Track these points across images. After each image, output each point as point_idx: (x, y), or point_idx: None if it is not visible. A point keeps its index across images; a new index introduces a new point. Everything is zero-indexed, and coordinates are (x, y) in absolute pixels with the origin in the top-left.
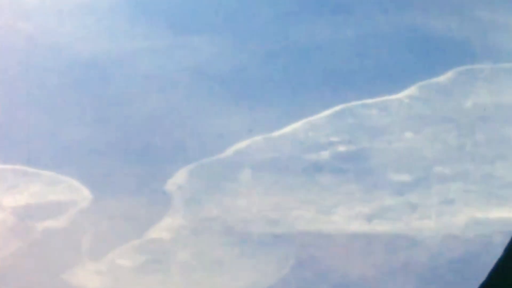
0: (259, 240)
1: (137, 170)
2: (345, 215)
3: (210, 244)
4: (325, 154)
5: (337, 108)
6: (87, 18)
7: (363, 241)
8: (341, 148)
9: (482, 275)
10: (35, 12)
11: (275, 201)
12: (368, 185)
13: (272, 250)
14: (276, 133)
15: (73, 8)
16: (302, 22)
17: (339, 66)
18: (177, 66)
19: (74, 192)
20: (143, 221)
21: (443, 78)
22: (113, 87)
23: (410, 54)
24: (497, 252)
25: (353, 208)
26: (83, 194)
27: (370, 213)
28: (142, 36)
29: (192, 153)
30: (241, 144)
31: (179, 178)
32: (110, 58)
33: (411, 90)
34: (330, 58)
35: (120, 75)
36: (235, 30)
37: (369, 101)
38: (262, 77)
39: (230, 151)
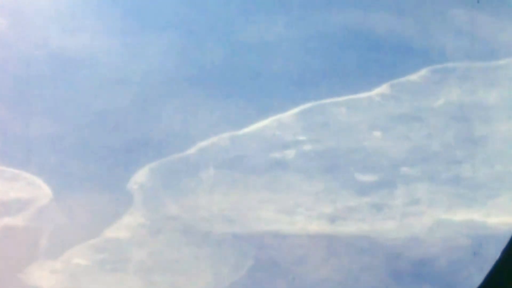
0: (218, 240)
1: (100, 168)
2: (307, 215)
3: (168, 243)
4: (290, 153)
5: (307, 106)
6: (55, 13)
7: (324, 242)
8: (307, 147)
9: (443, 277)
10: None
11: (237, 200)
12: (333, 185)
13: (231, 250)
14: (242, 131)
15: (44, 3)
16: (267, 18)
17: (312, 63)
18: (141, 63)
19: (34, 189)
20: (103, 220)
21: (416, 76)
22: (76, 83)
23: (384, 52)
24: (460, 255)
25: (316, 208)
26: (44, 192)
27: (333, 213)
28: (108, 33)
29: (156, 151)
30: (206, 142)
31: (141, 176)
32: (74, 54)
33: (383, 88)
34: (303, 55)
35: (83, 72)
36: (199, 28)
37: (339, 99)
38: (230, 74)
39: (194, 149)
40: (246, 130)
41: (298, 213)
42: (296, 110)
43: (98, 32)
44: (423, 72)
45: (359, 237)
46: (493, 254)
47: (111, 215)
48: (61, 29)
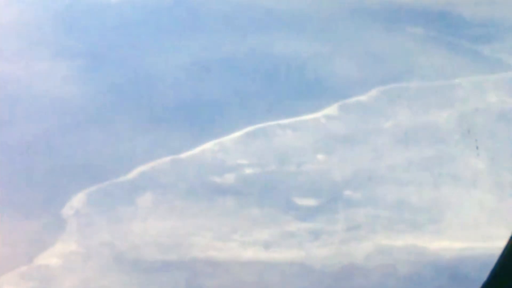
0: (149, 267)
1: (34, 193)
2: (242, 242)
3: (98, 270)
4: (230, 178)
5: (250, 128)
6: None
7: (257, 269)
8: (248, 171)
9: None
10: None
11: (172, 226)
12: (271, 210)
13: (162, 277)
14: (183, 155)
15: None
16: (204, 37)
17: (260, 85)
18: (80, 87)
19: None
20: (35, 247)
21: (366, 97)
22: (12, 106)
23: (334, 71)
24: (400, 282)
25: (252, 234)
26: None
27: (268, 239)
28: (41, 57)
29: (93, 176)
30: (146, 166)
31: (76, 202)
32: (6, 78)
33: (331, 109)
34: (249, 78)
35: (19, 94)
36: (137, 53)
37: (284, 121)
38: (172, 97)
39: (133, 173)
40: (187, 154)
41: (232, 240)
42: (239, 133)
43: (26, 57)
44: (373, 92)
45: (293, 264)
46: (435, 280)
47: (44, 242)
48: None
